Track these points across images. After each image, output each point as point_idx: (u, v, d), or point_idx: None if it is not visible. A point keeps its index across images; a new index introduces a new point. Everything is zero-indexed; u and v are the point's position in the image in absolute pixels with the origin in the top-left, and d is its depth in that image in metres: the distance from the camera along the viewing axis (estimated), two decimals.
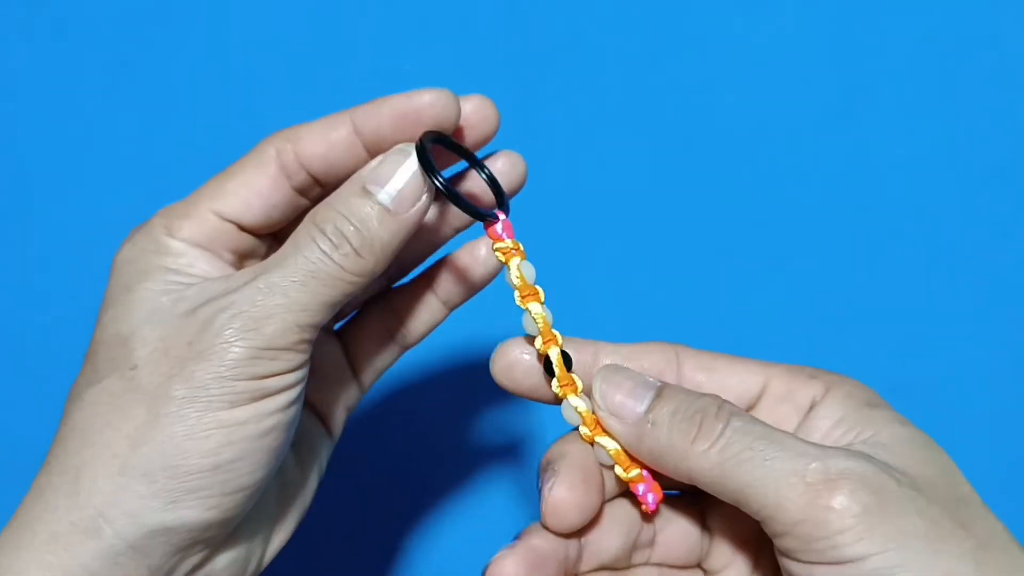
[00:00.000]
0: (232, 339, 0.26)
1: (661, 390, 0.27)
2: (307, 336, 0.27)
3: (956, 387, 0.45)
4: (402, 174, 0.27)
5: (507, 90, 0.46)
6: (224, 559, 0.28)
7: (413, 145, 0.27)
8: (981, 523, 0.25)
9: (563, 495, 0.27)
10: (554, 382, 0.28)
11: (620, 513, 0.29)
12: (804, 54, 0.46)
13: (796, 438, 0.25)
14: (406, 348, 0.34)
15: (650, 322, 0.45)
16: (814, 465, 0.24)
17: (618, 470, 0.28)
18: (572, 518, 0.27)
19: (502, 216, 0.28)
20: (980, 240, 0.45)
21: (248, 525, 0.29)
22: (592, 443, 0.28)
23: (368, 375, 0.34)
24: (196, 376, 0.26)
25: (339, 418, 0.33)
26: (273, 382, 0.26)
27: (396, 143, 0.28)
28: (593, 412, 0.28)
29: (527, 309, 0.28)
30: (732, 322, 0.45)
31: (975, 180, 0.45)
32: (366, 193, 0.27)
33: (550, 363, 0.28)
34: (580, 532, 0.28)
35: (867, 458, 0.24)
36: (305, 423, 0.32)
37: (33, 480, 0.27)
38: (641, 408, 0.27)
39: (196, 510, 0.26)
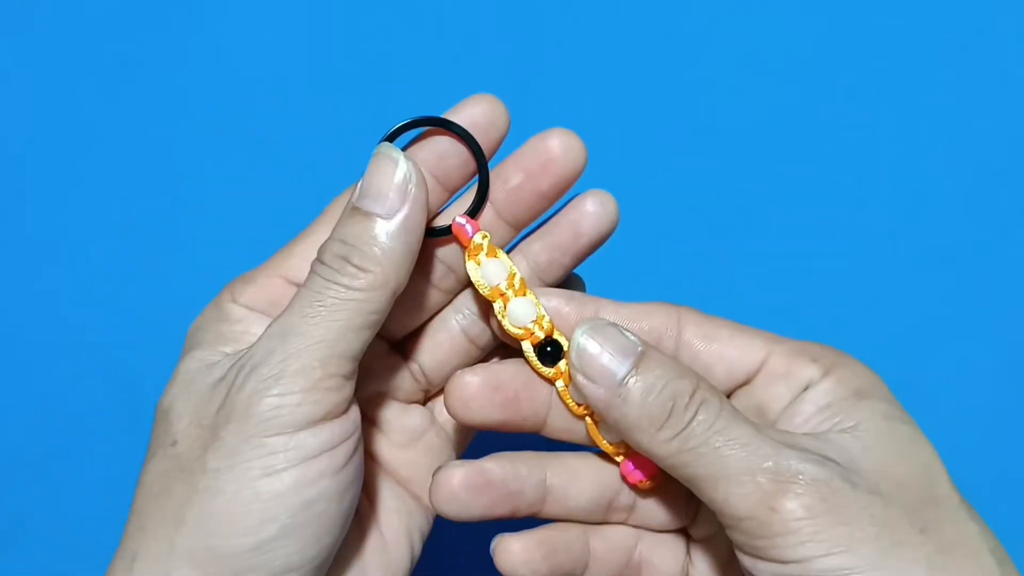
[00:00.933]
0: (254, 392, 0.24)
1: (640, 359, 0.25)
2: (333, 370, 0.25)
3: (956, 387, 0.45)
4: (380, 176, 0.26)
5: (507, 89, 0.45)
6: None
7: (385, 144, 0.26)
8: (950, 526, 0.24)
9: (470, 380, 0.27)
10: (562, 364, 0.28)
11: (593, 468, 0.29)
12: (804, 54, 0.46)
13: (760, 433, 0.25)
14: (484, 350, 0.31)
15: None
16: (767, 464, 0.24)
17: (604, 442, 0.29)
18: (475, 407, 0.27)
19: (462, 220, 0.28)
20: (980, 240, 0.45)
21: None
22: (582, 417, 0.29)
23: (460, 436, 0.31)
24: (227, 442, 0.24)
25: (428, 487, 0.30)
26: (311, 439, 0.25)
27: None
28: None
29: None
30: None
31: (975, 180, 0.45)
32: (354, 210, 0.26)
33: (554, 350, 0.28)
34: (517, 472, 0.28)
35: (822, 461, 0.24)
36: (391, 499, 0.30)
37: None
38: (618, 375, 0.25)
39: None
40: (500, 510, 0.28)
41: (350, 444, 0.26)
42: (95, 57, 0.47)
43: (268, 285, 0.28)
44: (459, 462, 0.28)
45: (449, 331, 0.30)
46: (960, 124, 0.45)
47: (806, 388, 0.27)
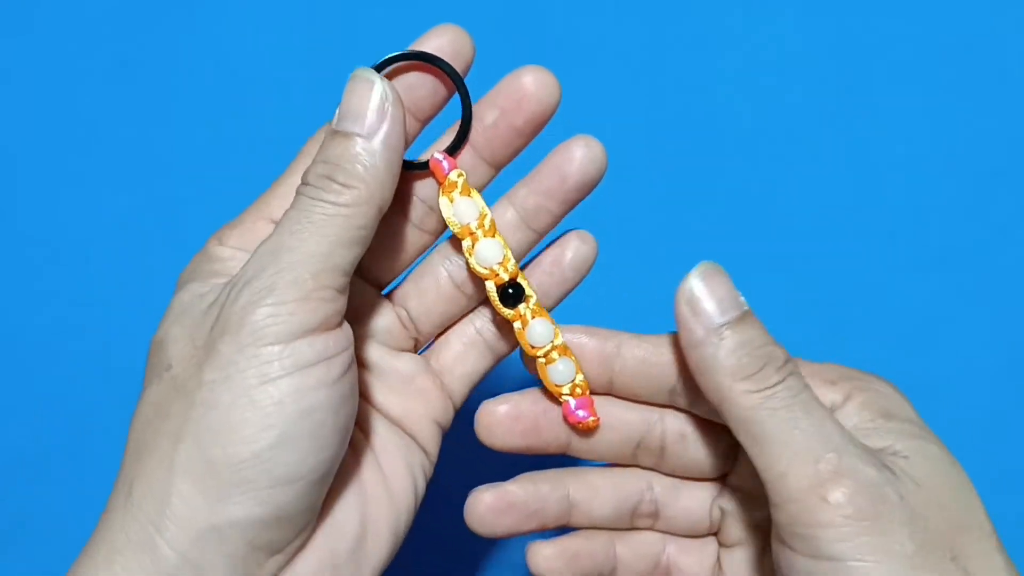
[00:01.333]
0: (248, 303, 0.25)
1: (745, 315, 0.26)
2: (326, 282, 0.25)
3: (955, 387, 0.45)
4: (357, 97, 0.26)
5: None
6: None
7: (363, 68, 0.27)
8: (979, 558, 0.24)
9: (495, 409, 0.29)
10: (521, 307, 0.29)
11: (614, 481, 0.31)
12: (804, 54, 0.46)
13: (836, 422, 0.25)
14: (501, 357, 0.31)
15: (650, 321, 0.45)
16: (830, 455, 0.24)
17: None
18: (498, 433, 0.30)
19: (440, 156, 0.29)
20: (980, 240, 0.45)
21: (326, 541, 0.27)
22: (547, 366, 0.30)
23: (457, 383, 0.31)
24: (222, 353, 0.24)
25: (428, 432, 0.31)
26: (306, 348, 0.25)
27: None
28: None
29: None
30: None
31: (975, 180, 0.45)
32: (334, 133, 0.26)
33: (516, 292, 0.29)
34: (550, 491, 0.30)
35: (880, 466, 0.25)
36: (387, 434, 0.30)
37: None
38: (719, 321, 0.26)
39: (243, 506, 0.24)
40: (527, 526, 0.30)
41: (345, 358, 0.26)
42: (94, 56, 0.48)
43: (254, 227, 0.28)
44: (487, 487, 0.30)
45: (436, 277, 0.31)
46: (960, 124, 0.45)
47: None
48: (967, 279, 0.45)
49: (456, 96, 0.29)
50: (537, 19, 0.48)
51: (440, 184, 0.29)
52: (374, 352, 0.31)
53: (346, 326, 0.26)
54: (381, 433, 0.30)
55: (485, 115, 0.29)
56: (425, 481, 0.30)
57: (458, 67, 0.28)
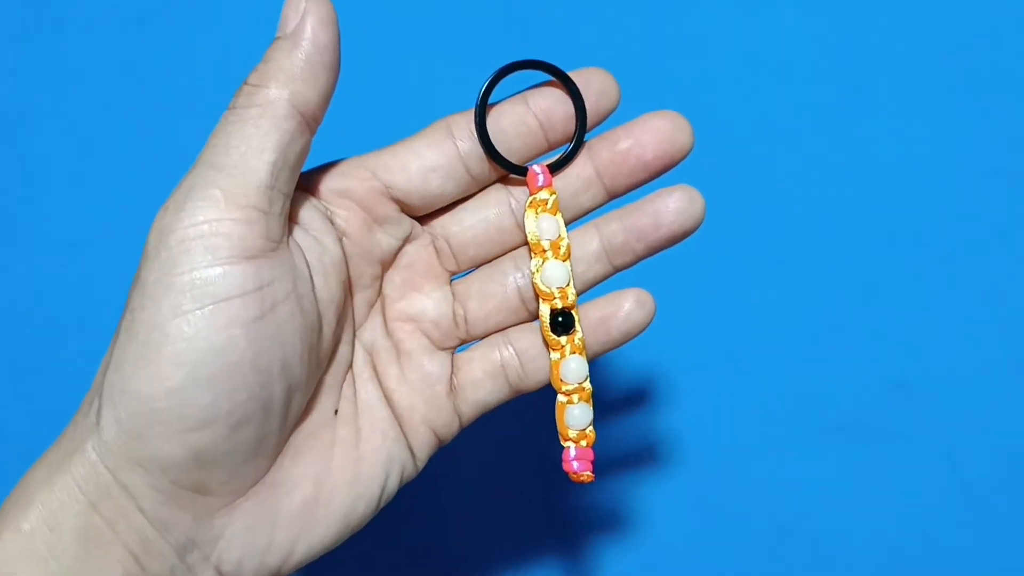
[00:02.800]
0: (163, 228, 0.24)
1: None
2: (242, 201, 0.24)
3: (956, 387, 0.45)
4: (284, 8, 0.26)
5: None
6: (235, 536, 0.26)
7: None
8: None
9: None
10: (565, 339, 0.29)
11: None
12: (804, 53, 0.46)
13: None
14: (519, 393, 0.30)
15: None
16: None
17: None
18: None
19: (540, 168, 0.29)
20: (980, 240, 0.45)
21: (272, 494, 0.27)
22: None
23: (467, 406, 0.30)
24: (145, 282, 0.24)
25: (424, 439, 0.29)
26: (219, 279, 0.24)
27: None
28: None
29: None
30: (731, 321, 0.46)
31: (975, 180, 0.45)
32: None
33: (566, 323, 0.29)
34: None
35: None
36: (381, 421, 0.29)
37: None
38: None
39: (158, 446, 0.24)
40: None
41: (270, 293, 0.24)
42: (93, 57, 0.47)
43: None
44: None
45: (504, 285, 0.30)
46: (960, 124, 0.45)
47: None
48: (967, 279, 0.45)
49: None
50: (536, 19, 0.47)
51: (531, 195, 0.29)
52: (413, 341, 0.30)
53: (282, 255, 0.25)
54: (376, 417, 0.29)
55: (619, 140, 0.28)
56: (399, 482, 0.29)
57: (601, 107, 0.28)
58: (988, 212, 0.45)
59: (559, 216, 0.29)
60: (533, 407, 0.45)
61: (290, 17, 0.25)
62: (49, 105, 0.47)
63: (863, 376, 0.45)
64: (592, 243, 0.29)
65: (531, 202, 0.29)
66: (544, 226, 0.29)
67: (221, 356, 0.24)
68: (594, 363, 0.31)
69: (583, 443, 0.30)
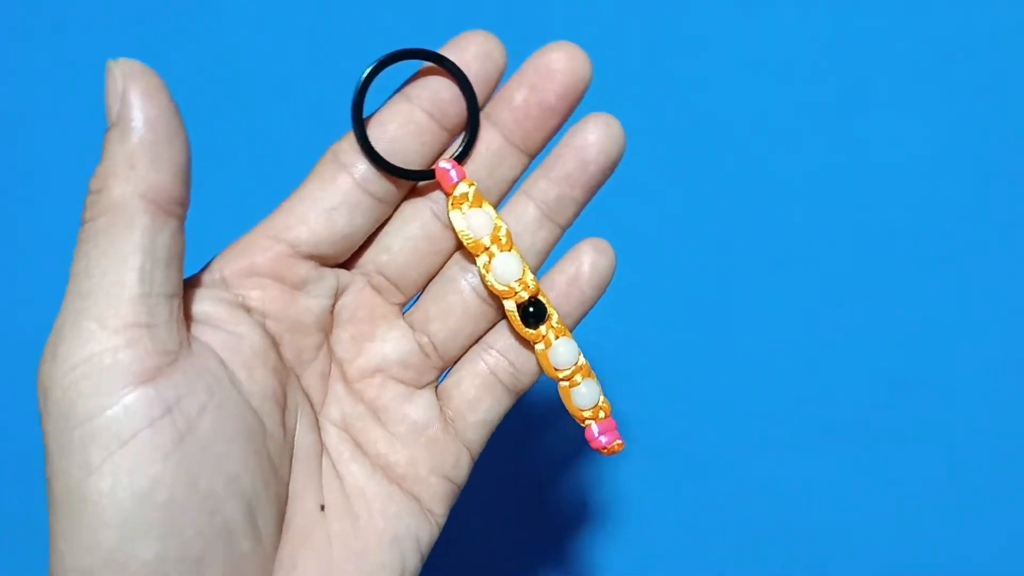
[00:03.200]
0: (45, 376, 0.22)
1: None
2: (117, 322, 0.22)
3: (956, 387, 0.45)
4: (106, 93, 0.22)
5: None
6: None
7: (111, 60, 0.23)
8: None
9: None
10: (543, 328, 0.27)
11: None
12: (804, 53, 0.46)
13: None
14: (520, 393, 0.28)
15: (651, 321, 0.45)
16: None
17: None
18: None
19: (447, 164, 0.26)
20: (980, 240, 0.45)
21: None
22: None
23: (472, 432, 0.28)
24: (49, 448, 0.22)
25: (437, 490, 0.27)
26: (120, 415, 0.22)
27: None
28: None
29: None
30: (731, 321, 0.45)
31: (975, 180, 0.45)
32: None
33: (537, 312, 0.27)
34: None
35: None
36: (377, 497, 0.27)
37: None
38: None
39: None
40: None
41: (182, 412, 0.22)
42: (95, 57, 0.46)
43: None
44: None
45: (460, 293, 0.27)
46: (960, 124, 0.45)
47: None
48: (967, 279, 0.45)
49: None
50: (536, 19, 0.47)
51: (448, 195, 0.26)
52: (387, 393, 0.27)
53: (185, 365, 0.23)
54: (370, 497, 0.26)
55: (514, 95, 0.26)
56: (419, 554, 0.27)
57: (488, 74, 0.26)
58: (988, 212, 0.45)
59: (486, 205, 0.27)
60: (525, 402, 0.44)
61: (111, 102, 0.22)
62: (49, 105, 0.47)
63: (863, 376, 0.45)
64: (528, 211, 0.27)
65: (452, 202, 0.26)
66: (475, 222, 0.26)
67: (149, 500, 0.21)
68: (589, 355, 0.28)
69: (601, 415, 0.28)
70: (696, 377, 0.45)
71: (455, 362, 0.28)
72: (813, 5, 0.46)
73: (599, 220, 0.44)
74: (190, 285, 0.25)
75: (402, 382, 0.27)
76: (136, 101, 0.22)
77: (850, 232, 0.45)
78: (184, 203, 0.23)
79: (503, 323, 0.28)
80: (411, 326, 0.28)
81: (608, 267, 0.28)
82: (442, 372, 0.28)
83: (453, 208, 0.26)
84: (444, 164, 0.26)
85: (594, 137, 0.26)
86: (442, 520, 0.27)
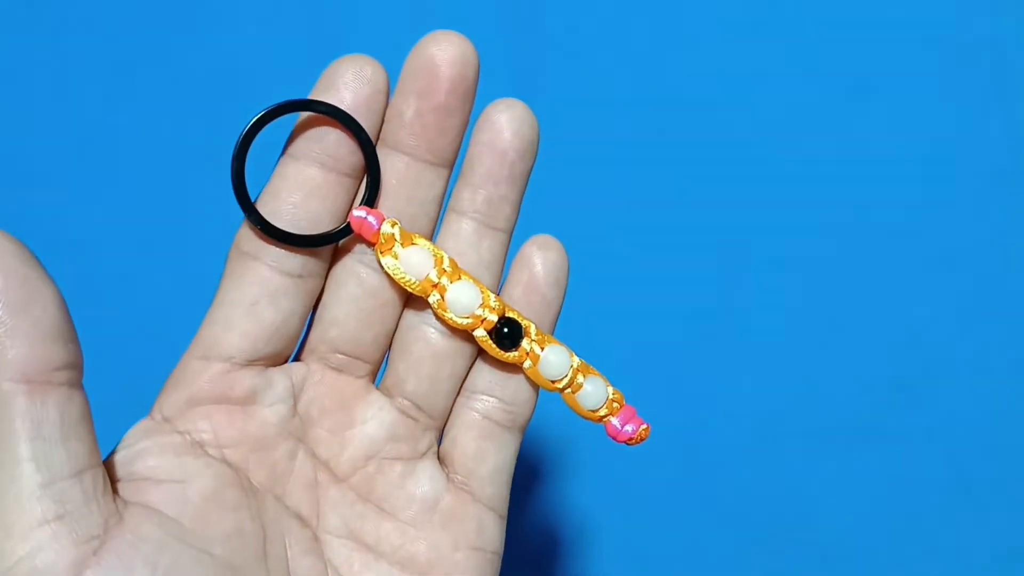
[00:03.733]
0: None
1: None
2: (34, 518, 0.19)
3: (956, 387, 0.45)
4: None
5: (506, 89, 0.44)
6: None
7: None
8: None
9: None
10: (524, 343, 0.24)
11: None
12: (804, 53, 0.46)
13: None
14: (523, 427, 0.26)
15: (651, 321, 0.45)
16: None
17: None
18: None
19: (360, 213, 0.24)
20: (980, 240, 0.45)
21: None
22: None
23: (490, 487, 0.25)
24: None
25: (461, 560, 0.25)
26: None
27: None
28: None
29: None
30: (731, 321, 0.45)
31: (975, 180, 0.46)
32: None
33: (512, 331, 0.24)
34: None
35: None
36: None
37: None
38: None
39: None
40: None
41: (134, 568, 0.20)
42: (95, 57, 0.47)
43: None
44: None
45: (424, 339, 0.25)
46: (960, 124, 0.46)
47: None
48: (967, 279, 0.45)
49: None
50: (535, 18, 0.47)
51: (373, 245, 0.24)
52: (385, 478, 0.25)
53: (115, 542, 0.20)
54: None
55: (403, 110, 0.23)
56: None
57: (369, 99, 0.23)
58: (988, 212, 0.46)
59: (418, 239, 0.24)
60: None
61: None
62: (49, 105, 0.46)
63: (863, 376, 0.45)
64: (462, 226, 0.25)
65: (380, 249, 0.24)
66: (412, 262, 0.24)
67: None
68: (584, 357, 0.26)
69: (615, 407, 0.25)
70: (696, 377, 0.45)
71: (448, 414, 0.25)
72: (813, 5, 0.46)
73: (599, 220, 0.45)
74: (131, 441, 0.22)
75: (399, 459, 0.25)
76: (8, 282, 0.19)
77: (850, 232, 0.46)
78: (69, 364, 0.20)
79: (479, 362, 0.25)
80: (387, 393, 0.25)
81: (560, 261, 0.25)
82: (438, 432, 0.26)
83: (383, 255, 0.24)
84: (357, 213, 0.24)
85: (502, 122, 0.24)
86: None
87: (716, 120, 0.46)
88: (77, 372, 0.20)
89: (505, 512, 0.26)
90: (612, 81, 0.47)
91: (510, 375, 0.25)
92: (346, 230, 0.24)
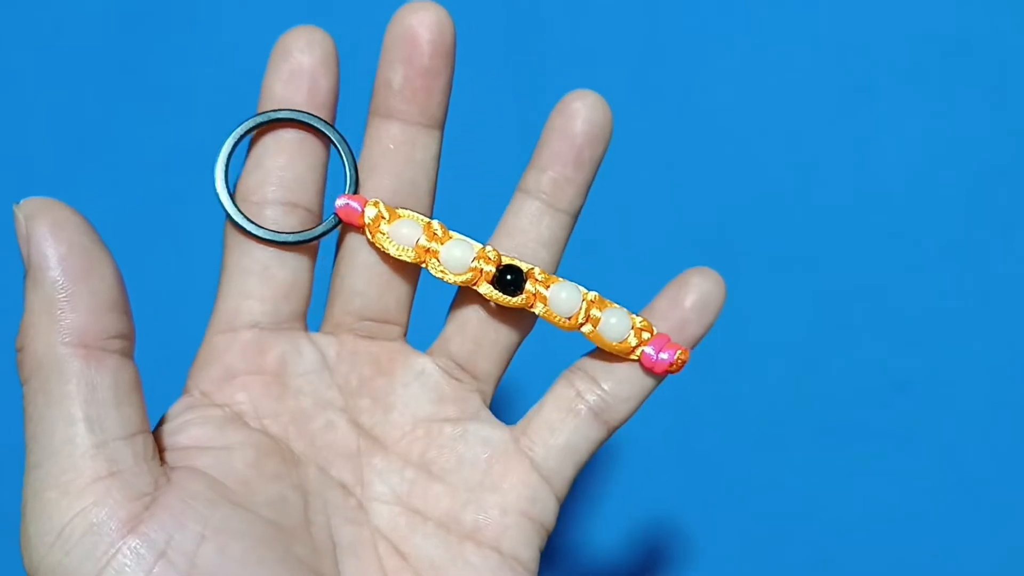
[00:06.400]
0: (28, 567, 0.21)
1: None
2: (77, 490, 0.21)
3: (956, 387, 0.45)
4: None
5: (507, 91, 0.47)
6: None
7: (15, 204, 0.21)
8: None
9: None
10: (528, 286, 0.24)
11: None
12: (803, 54, 0.47)
13: None
14: (613, 428, 0.26)
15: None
16: None
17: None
18: None
19: (342, 201, 0.25)
20: (980, 239, 0.46)
21: None
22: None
23: (556, 462, 0.25)
24: None
25: (518, 535, 0.25)
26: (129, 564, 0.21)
27: None
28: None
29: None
30: (731, 321, 0.44)
31: (975, 180, 0.46)
32: None
33: (515, 276, 0.24)
34: None
35: None
36: (455, 565, 0.24)
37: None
38: None
39: None
40: None
41: (179, 547, 0.21)
42: (95, 57, 0.47)
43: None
44: None
45: (478, 305, 0.25)
46: (960, 124, 0.46)
47: None
48: (968, 279, 0.46)
49: None
50: (535, 18, 0.48)
51: (363, 228, 0.25)
52: (435, 441, 0.25)
53: (166, 501, 0.21)
54: (440, 563, 0.24)
55: (391, 79, 0.24)
56: None
57: (324, 90, 0.24)
58: (988, 212, 0.47)
59: (402, 211, 0.25)
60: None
61: (22, 248, 0.21)
62: (49, 105, 0.47)
63: (863, 376, 0.46)
64: (527, 204, 0.25)
65: (370, 231, 0.24)
66: (403, 233, 0.24)
67: None
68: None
69: (645, 336, 0.25)
70: (696, 377, 0.43)
71: (496, 380, 0.26)
72: (813, 5, 0.47)
73: (598, 217, 0.44)
74: (173, 415, 0.23)
75: (447, 420, 0.25)
76: (42, 242, 0.20)
77: (850, 232, 0.46)
78: (122, 334, 0.21)
79: (593, 352, 0.26)
80: (431, 355, 0.26)
81: (717, 291, 0.27)
82: (487, 396, 0.26)
83: (374, 236, 0.25)
84: (341, 200, 0.25)
85: (576, 108, 0.25)
86: (532, 566, 0.25)
87: (716, 120, 0.47)
88: (130, 343, 0.21)
89: (563, 495, 0.25)
90: (612, 80, 0.47)
91: (616, 365, 0.25)
92: (335, 222, 0.25)
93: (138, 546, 0.20)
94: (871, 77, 0.47)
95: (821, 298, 0.46)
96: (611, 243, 0.46)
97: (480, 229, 0.26)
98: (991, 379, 0.45)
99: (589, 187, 0.26)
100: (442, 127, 0.25)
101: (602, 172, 0.47)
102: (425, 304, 0.26)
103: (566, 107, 0.25)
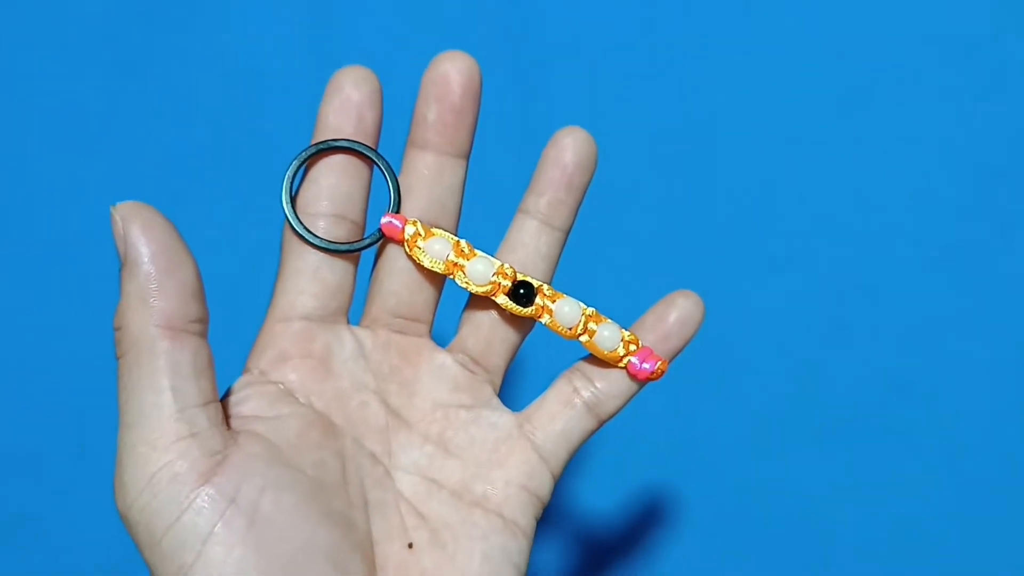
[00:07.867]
0: (121, 509, 0.26)
1: None
2: (166, 455, 0.25)
3: (956, 387, 0.46)
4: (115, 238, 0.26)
5: (507, 92, 0.47)
6: None
7: (112, 206, 0.26)
8: None
9: None
10: (538, 300, 0.29)
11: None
12: (804, 54, 0.48)
13: None
14: (603, 420, 0.30)
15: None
16: None
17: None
18: None
19: (387, 219, 0.29)
20: (980, 240, 0.46)
21: None
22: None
23: (553, 445, 0.30)
24: (150, 564, 0.26)
25: (518, 503, 0.29)
26: (192, 522, 0.25)
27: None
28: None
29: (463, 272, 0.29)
30: (732, 321, 0.46)
31: (975, 180, 0.47)
32: None
33: (527, 291, 0.29)
34: None
35: None
36: (453, 522, 0.29)
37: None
38: None
39: None
40: None
41: (245, 498, 0.25)
42: (95, 57, 0.48)
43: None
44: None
45: (489, 312, 0.30)
46: (960, 124, 0.47)
47: None
48: (967, 279, 0.46)
49: None
50: (535, 18, 0.49)
51: (402, 243, 0.29)
52: (452, 424, 0.29)
53: (234, 459, 0.26)
54: (453, 523, 0.28)
55: (426, 115, 0.29)
56: (514, 566, 0.29)
57: (370, 119, 0.29)
58: (988, 212, 0.47)
59: (436, 231, 0.29)
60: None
61: (118, 244, 0.25)
62: (49, 105, 0.47)
63: (863, 376, 0.46)
64: (527, 223, 0.30)
65: (408, 246, 0.29)
66: (436, 249, 0.29)
67: None
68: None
69: (632, 348, 0.29)
70: (697, 377, 0.45)
71: (504, 372, 0.30)
72: (813, 5, 0.48)
73: (600, 219, 0.43)
74: (236, 389, 0.28)
75: (462, 407, 0.30)
76: (137, 240, 0.25)
77: (850, 232, 0.46)
78: (200, 319, 0.26)
79: (590, 358, 0.30)
80: (449, 351, 0.30)
81: (699, 316, 0.31)
82: (496, 387, 0.30)
83: (412, 250, 0.29)
84: (386, 218, 0.29)
85: (566, 143, 0.29)
86: (529, 531, 0.29)
87: (716, 120, 0.47)
88: (205, 326, 0.26)
89: (558, 474, 0.30)
90: (612, 81, 0.48)
91: (608, 370, 0.30)
92: (379, 236, 0.29)
93: (213, 493, 0.24)
94: (871, 77, 0.47)
95: (821, 298, 0.46)
96: (612, 242, 0.46)
97: (481, 233, 0.31)
98: (991, 379, 0.45)
99: (578, 208, 0.30)
100: (468, 157, 0.30)
101: (606, 177, 0.47)
102: (441, 307, 0.31)
103: (558, 142, 0.30)
